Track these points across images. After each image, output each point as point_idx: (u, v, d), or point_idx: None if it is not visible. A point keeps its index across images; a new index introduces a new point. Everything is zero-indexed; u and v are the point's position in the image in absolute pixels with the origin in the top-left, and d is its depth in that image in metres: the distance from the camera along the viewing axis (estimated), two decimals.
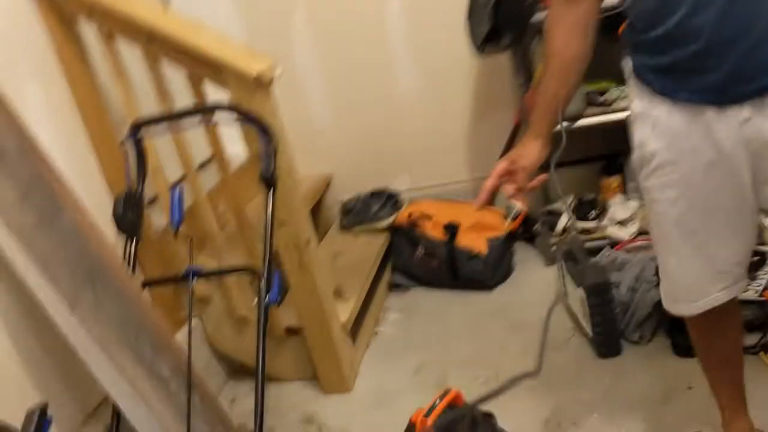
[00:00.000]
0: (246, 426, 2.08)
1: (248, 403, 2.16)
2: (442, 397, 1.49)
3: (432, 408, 1.46)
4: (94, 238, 1.67)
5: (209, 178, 2.35)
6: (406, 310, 2.64)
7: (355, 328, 2.41)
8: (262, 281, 1.76)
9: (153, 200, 2.18)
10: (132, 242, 1.85)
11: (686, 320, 1.50)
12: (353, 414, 2.12)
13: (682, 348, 2.01)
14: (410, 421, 1.47)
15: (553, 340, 2.25)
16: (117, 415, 1.69)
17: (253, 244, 2.09)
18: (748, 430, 1.55)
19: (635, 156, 1.35)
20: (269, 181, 1.78)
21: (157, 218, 2.18)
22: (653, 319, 2.10)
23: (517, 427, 1.85)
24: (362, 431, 2.03)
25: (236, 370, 2.39)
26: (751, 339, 1.93)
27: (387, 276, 2.82)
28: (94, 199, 1.83)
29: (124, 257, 1.84)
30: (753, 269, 2.01)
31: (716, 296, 1.37)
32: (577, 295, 2.16)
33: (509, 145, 2.67)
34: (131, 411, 1.66)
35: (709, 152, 1.24)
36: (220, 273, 2.12)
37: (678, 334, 2.03)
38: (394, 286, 2.79)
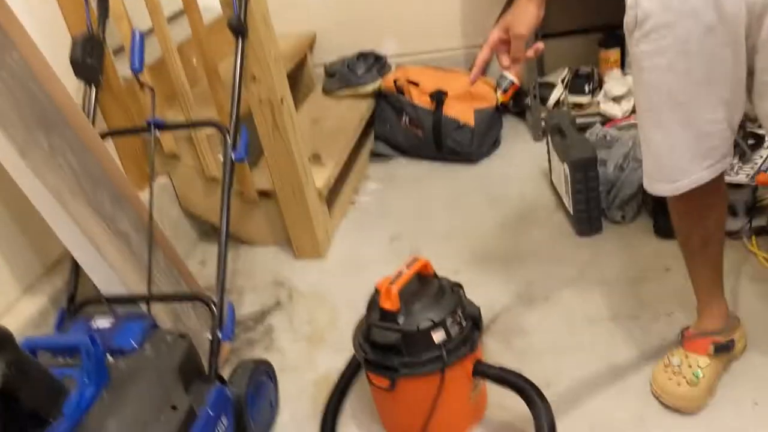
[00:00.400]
0: (213, 288, 2.05)
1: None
2: (409, 265, 1.43)
3: (398, 275, 1.40)
4: (49, 82, 1.55)
5: (181, 31, 2.18)
6: (387, 180, 2.56)
7: (332, 195, 2.34)
8: (228, 136, 1.66)
9: (119, 49, 2.03)
10: (91, 89, 1.72)
11: (668, 201, 1.43)
12: (325, 279, 2.09)
13: (664, 229, 1.95)
14: (376, 287, 1.42)
15: (533, 216, 2.20)
16: (76, 269, 1.63)
17: (223, 102, 1.97)
18: (723, 314, 1.51)
19: (627, 18, 1.22)
20: (238, 29, 1.65)
21: (123, 68, 2.04)
22: (637, 199, 2.03)
23: (488, 300, 1.82)
24: (332, 296, 2.00)
25: (207, 231, 2.34)
26: (736, 224, 1.88)
27: (369, 144, 2.72)
28: (52, 42, 1.68)
29: (83, 105, 1.73)
30: (744, 149, 1.93)
31: (700, 175, 1.29)
32: (562, 171, 2.08)
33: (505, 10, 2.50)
34: (89, 264, 1.61)
35: (709, 14, 1.14)
36: (184, 126, 2.02)
37: (661, 215, 1.97)
38: (375, 155, 2.70)
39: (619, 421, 1.46)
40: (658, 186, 1.35)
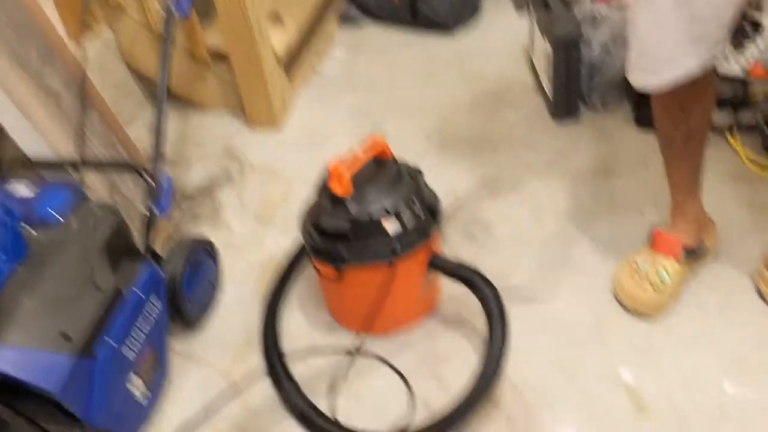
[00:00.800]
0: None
1: (167, 130, 1.96)
2: (366, 147, 1.30)
3: (353, 158, 1.27)
4: None
5: None
6: (355, 47, 2.36)
7: (293, 61, 2.15)
8: None
9: None
10: None
11: (651, 94, 1.29)
12: (278, 152, 1.94)
13: (646, 120, 1.81)
14: (327, 167, 1.28)
15: (508, 97, 2.04)
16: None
17: None
18: (697, 217, 1.42)
19: None
20: None
21: None
22: (621, 85, 1.88)
23: (452, 186, 1.71)
24: (287, 171, 1.87)
25: (155, 93, 2.15)
26: (722, 119, 1.75)
27: (338, 6, 2.48)
28: None
29: None
30: (741, 37, 1.77)
31: (688, 66, 1.15)
32: (543, 49, 1.91)
33: None
34: (11, 124, 1.44)
35: None
36: None
37: (644, 104, 1.80)
38: (344, 19, 2.47)
39: (575, 319, 1.39)
40: (642, 77, 1.21)
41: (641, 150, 1.76)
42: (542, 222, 1.62)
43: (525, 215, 1.64)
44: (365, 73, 2.24)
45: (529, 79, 2.09)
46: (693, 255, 1.39)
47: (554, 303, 1.43)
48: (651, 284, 1.35)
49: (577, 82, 1.87)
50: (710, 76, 1.23)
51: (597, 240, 1.54)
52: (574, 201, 1.66)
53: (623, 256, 1.44)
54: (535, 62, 2.07)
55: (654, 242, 1.41)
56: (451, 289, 1.42)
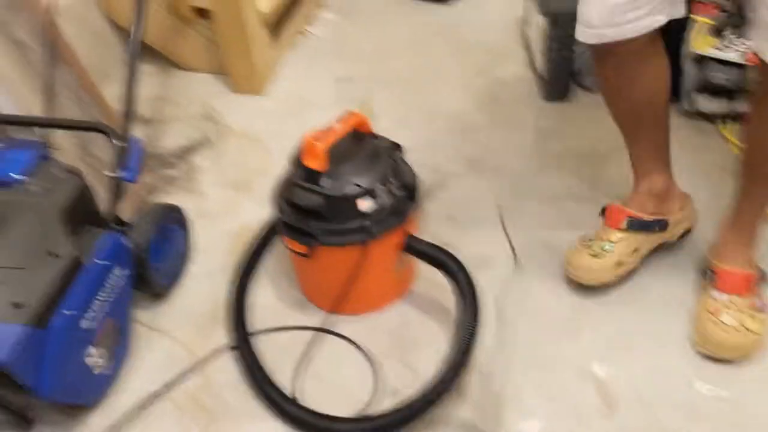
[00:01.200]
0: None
1: (144, 88, 1.90)
2: (343, 120, 1.24)
3: (329, 131, 1.21)
4: None
5: None
6: (346, 11, 2.28)
7: (280, 23, 2.07)
8: None
9: None
10: None
11: (593, 54, 1.25)
12: (261, 119, 1.88)
13: None
14: (303, 139, 1.23)
15: (499, 73, 1.98)
16: None
17: None
18: (657, 193, 1.37)
19: None
20: None
21: None
22: None
23: (434, 163, 1.67)
24: (267, 139, 1.81)
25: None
26: (716, 106, 1.70)
27: None
28: None
29: None
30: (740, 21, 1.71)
31: (620, 29, 1.13)
32: (538, 23, 1.85)
33: None
34: None
35: None
36: None
37: None
38: None
39: (551, 310, 1.36)
40: (579, 29, 1.20)
41: None
42: (524, 205, 1.57)
43: (507, 197, 1.59)
44: (355, 39, 2.17)
45: (521, 54, 2.02)
46: (639, 227, 1.35)
47: (531, 291, 1.39)
48: (591, 252, 1.34)
49: (571, 60, 1.81)
50: (653, 47, 1.20)
51: (578, 225, 1.49)
52: (558, 184, 1.61)
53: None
54: (529, 37, 2.00)
55: (605, 216, 1.39)
56: (426, 272, 1.37)
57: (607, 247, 1.34)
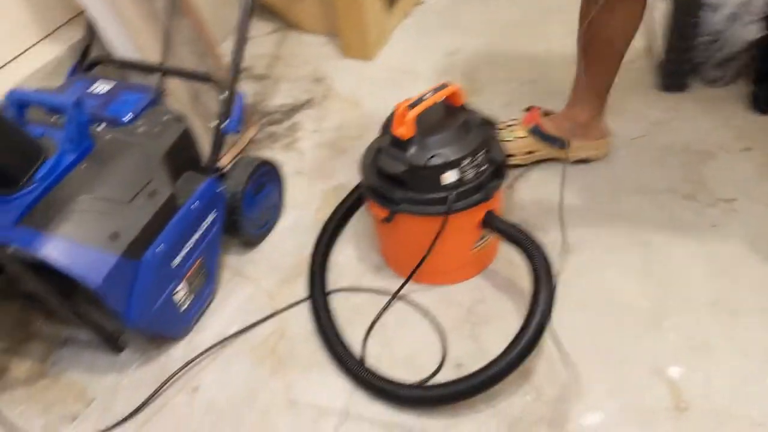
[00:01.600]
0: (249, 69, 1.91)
1: (262, 47, 1.97)
2: (436, 90, 1.24)
3: (420, 100, 1.22)
4: None
5: None
6: None
7: None
8: None
9: None
10: None
11: None
12: (365, 83, 1.91)
13: (763, 102, 1.66)
14: (395, 107, 1.24)
15: None
16: (91, 30, 1.50)
17: None
18: (584, 118, 1.52)
19: None
20: None
21: None
22: (742, 59, 1.71)
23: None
24: (370, 105, 1.84)
25: (264, 6, 2.13)
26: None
27: None
28: None
29: None
30: None
31: None
32: (662, 6, 1.76)
33: None
34: (102, 19, 1.47)
35: None
36: None
37: (764, 84, 1.67)
38: None
39: (630, 303, 1.31)
40: None
41: (748, 135, 1.61)
42: (621, 197, 1.52)
43: (604, 187, 1.54)
44: (470, 10, 2.15)
45: (641, 39, 1.93)
46: (540, 136, 1.54)
47: (611, 282, 1.35)
48: (507, 134, 1.55)
49: (693, 49, 1.71)
50: None
51: (676, 223, 1.43)
52: (659, 179, 1.54)
53: (703, 245, 1.34)
54: (651, 21, 1.91)
55: (527, 110, 1.58)
56: (507, 252, 1.36)
57: (510, 137, 1.55)
